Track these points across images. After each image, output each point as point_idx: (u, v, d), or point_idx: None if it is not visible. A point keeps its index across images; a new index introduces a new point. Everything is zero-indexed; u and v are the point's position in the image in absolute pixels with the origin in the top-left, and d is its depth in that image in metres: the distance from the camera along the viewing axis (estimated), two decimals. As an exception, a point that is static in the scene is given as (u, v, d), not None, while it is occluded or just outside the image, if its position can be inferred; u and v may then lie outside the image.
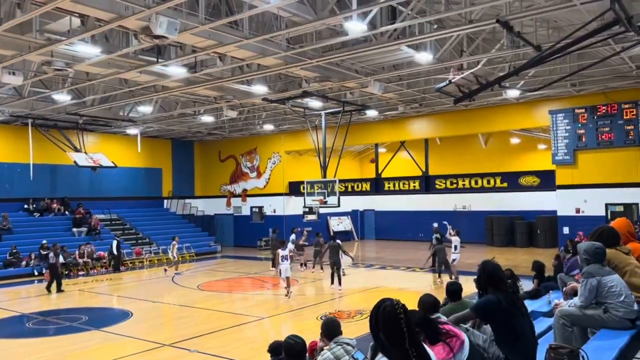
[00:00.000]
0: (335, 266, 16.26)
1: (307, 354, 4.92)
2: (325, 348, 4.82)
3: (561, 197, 19.89)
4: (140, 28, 10.54)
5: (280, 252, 15.55)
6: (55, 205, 24.56)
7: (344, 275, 16.77)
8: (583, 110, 19.06)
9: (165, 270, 20.81)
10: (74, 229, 23.74)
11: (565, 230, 19.42)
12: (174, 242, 20.66)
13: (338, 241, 17.04)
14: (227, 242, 30.37)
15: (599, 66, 14.90)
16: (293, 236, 21.36)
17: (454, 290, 6.06)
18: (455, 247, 16.58)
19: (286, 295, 14.99)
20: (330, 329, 4.97)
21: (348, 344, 4.80)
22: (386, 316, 2.79)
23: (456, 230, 17.31)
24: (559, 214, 20.19)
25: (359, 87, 17.41)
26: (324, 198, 20.71)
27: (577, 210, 19.35)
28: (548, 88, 16.59)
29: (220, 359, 9.41)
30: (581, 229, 17.40)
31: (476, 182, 23.01)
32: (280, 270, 15.55)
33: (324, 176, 21.46)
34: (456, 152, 28.18)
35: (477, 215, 28.51)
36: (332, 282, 16.30)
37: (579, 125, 19.12)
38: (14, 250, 20.35)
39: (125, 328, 12.07)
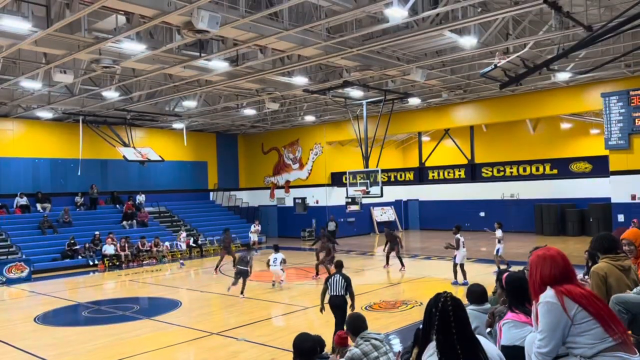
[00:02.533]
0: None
1: (318, 352, 4.82)
2: (351, 344, 4.78)
3: (615, 183, 19.05)
4: (182, 23, 10.73)
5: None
6: (102, 203, 25.51)
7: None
8: (638, 92, 18.14)
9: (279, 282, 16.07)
10: (124, 222, 24.55)
11: (620, 217, 18.60)
12: (276, 257, 15.40)
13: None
14: (272, 233, 30.73)
15: (656, 45, 14.12)
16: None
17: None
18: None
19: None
20: (355, 324, 4.91)
21: (375, 338, 4.73)
22: (435, 308, 2.76)
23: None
24: (612, 201, 19.37)
25: (401, 74, 17.16)
26: (367, 188, 20.61)
27: (633, 197, 18.50)
28: (600, 70, 15.89)
29: (266, 348, 9.54)
30: (636, 216, 16.63)
31: (524, 170, 22.33)
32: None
33: (366, 166, 21.33)
34: (503, 139, 27.42)
35: (526, 204, 27.73)
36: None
37: (634, 108, 18.21)
38: (72, 241, 21.24)
39: (175, 317, 12.42)
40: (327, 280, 9.11)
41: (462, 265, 14.76)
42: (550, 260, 3.00)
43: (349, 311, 8.64)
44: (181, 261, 21.90)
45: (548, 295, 2.87)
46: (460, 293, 5.19)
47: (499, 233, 16.21)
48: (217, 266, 18.80)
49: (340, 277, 8.92)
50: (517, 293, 3.77)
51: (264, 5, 11.68)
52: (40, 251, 20.81)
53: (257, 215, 29.67)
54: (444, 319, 2.67)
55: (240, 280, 14.08)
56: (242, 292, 14.03)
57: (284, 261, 15.30)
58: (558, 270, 2.95)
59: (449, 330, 2.66)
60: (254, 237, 24.89)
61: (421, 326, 2.93)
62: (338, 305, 8.81)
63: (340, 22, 12.59)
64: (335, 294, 8.86)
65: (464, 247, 14.80)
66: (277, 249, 15.97)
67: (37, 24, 10.93)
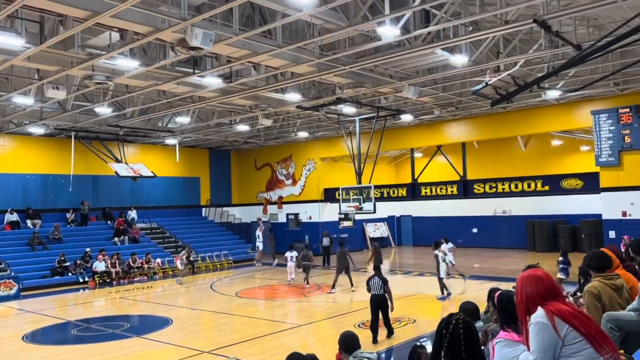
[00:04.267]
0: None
1: None
2: None
3: (606, 199, 19.20)
4: (176, 40, 10.77)
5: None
6: (92, 219, 25.32)
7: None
8: (627, 110, 18.37)
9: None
10: (115, 239, 24.34)
11: (612, 234, 18.70)
12: (292, 254, 19.15)
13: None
14: (264, 249, 30.53)
15: (644, 64, 14.35)
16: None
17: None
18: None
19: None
20: (348, 343, 4.86)
21: (368, 358, 4.69)
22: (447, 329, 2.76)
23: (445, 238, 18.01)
24: (604, 217, 19.49)
25: (393, 92, 17.29)
26: (360, 204, 20.61)
27: (624, 214, 18.63)
28: (589, 88, 16.10)
29: (258, 367, 9.43)
30: (628, 233, 16.73)
31: (516, 186, 22.45)
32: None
33: (359, 182, 21.36)
34: (495, 155, 27.61)
35: (518, 220, 27.82)
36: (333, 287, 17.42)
37: (623, 125, 18.44)
38: (62, 258, 20.98)
39: (165, 335, 12.27)
40: (368, 281, 10.92)
41: (441, 279, 15.41)
42: (535, 279, 2.98)
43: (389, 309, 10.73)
44: (177, 278, 21.25)
45: (539, 315, 2.85)
46: (447, 307, 5.15)
47: (443, 247, 16.71)
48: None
49: (378, 279, 10.74)
50: (508, 311, 3.77)
51: (258, 23, 11.78)
52: (30, 268, 20.55)
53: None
54: (454, 342, 2.66)
55: (305, 273, 18.23)
56: (306, 281, 18.27)
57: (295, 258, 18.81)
58: (543, 288, 2.93)
59: (459, 354, 2.65)
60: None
61: (418, 343, 2.92)
62: (379, 302, 10.66)
63: (333, 40, 12.70)
64: (375, 292, 10.68)
65: (443, 261, 15.36)
66: (291, 248, 19.41)
67: (31, 40, 10.94)
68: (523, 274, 3.06)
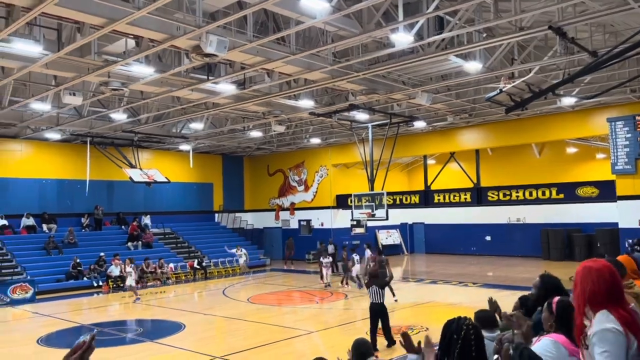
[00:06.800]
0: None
1: None
2: None
3: (622, 208, 18.93)
4: (191, 47, 10.87)
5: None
6: (107, 224, 25.54)
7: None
8: (644, 117, 18.14)
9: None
10: (129, 244, 24.50)
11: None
12: (326, 261, 20.52)
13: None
14: (276, 255, 30.58)
15: (661, 70, 14.19)
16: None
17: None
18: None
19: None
20: (360, 351, 4.82)
21: None
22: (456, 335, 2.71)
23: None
24: (620, 226, 19.22)
25: (406, 98, 17.26)
26: (372, 211, 20.56)
27: (641, 222, 18.35)
28: (606, 95, 15.93)
29: (270, 373, 9.41)
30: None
31: (530, 194, 22.24)
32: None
33: (372, 189, 21.31)
34: (509, 162, 27.38)
35: (532, 228, 27.52)
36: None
37: (641, 132, 18.20)
38: (77, 261, 21.16)
39: (177, 340, 12.31)
40: (368, 289, 11.16)
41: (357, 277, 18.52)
42: (597, 274, 2.60)
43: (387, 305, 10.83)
44: (137, 297, 18.47)
45: (612, 320, 2.45)
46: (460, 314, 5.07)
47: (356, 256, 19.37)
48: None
49: (377, 287, 10.80)
50: (566, 320, 3.66)
51: (272, 30, 11.84)
52: (45, 272, 20.77)
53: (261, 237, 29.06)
54: (465, 349, 2.62)
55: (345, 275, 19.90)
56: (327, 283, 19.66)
57: (329, 264, 20.22)
58: (605, 286, 2.53)
59: (470, 356, 2.61)
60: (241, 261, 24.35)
61: (436, 348, 2.88)
62: (377, 310, 10.68)
63: (346, 47, 12.73)
64: (374, 301, 10.70)
65: (359, 263, 18.70)
66: (326, 253, 20.85)
67: (48, 47, 11.12)
68: (585, 264, 2.70)
